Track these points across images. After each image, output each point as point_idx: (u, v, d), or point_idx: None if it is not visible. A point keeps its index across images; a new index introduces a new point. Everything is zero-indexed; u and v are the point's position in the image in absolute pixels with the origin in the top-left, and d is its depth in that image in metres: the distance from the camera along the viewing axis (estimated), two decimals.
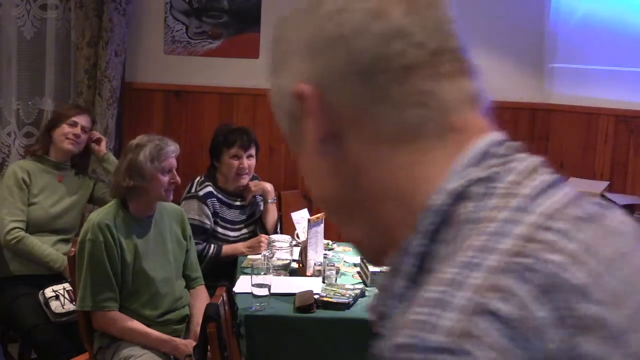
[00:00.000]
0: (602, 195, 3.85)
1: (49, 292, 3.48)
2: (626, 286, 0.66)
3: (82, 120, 3.78)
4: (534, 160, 0.77)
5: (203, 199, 3.79)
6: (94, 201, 3.91)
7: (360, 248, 0.84)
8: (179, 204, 3.57)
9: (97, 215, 3.05)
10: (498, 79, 4.60)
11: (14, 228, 3.58)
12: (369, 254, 0.83)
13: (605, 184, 4.02)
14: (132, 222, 3.08)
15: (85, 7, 4.27)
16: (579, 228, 0.68)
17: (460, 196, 0.71)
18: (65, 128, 3.74)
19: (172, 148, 3.11)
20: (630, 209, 3.97)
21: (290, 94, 0.78)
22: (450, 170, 0.73)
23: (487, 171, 0.73)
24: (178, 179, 3.11)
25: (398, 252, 0.72)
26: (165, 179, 3.06)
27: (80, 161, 3.88)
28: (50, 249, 3.64)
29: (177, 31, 4.52)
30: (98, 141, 3.92)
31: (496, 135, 0.78)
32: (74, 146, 3.77)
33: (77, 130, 3.75)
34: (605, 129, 4.34)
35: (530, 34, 4.60)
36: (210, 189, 3.84)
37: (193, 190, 3.83)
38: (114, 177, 3.16)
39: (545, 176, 0.74)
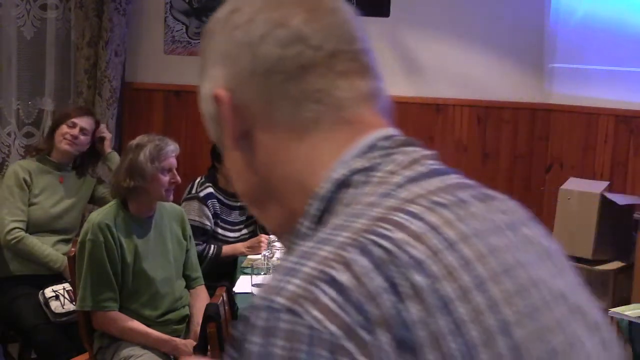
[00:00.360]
0: (602, 195, 3.85)
1: (49, 292, 3.48)
2: (464, 263, 0.73)
3: (83, 122, 3.77)
4: (419, 152, 0.85)
5: (204, 200, 3.79)
6: (95, 201, 3.91)
7: (277, 235, 0.92)
8: (179, 204, 3.57)
9: (98, 215, 3.05)
10: (498, 79, 4.60)
11: (14, 228, 3.58)
12: (284, 240, 0.90)
13: (605, 184, 4.02)
14: (133, 222, 3.08)
15: (85, 7, 4.27)
16: (433, 212, 0.76)
17: (344, 184, 0.80)
18: (64, 129, 3.74)
19: (172, 147, 3.12)
20: (630, 209, 3.97)
21: (210, 99, 0.88)
22: (338, 160, 0.82)
23: (370, 162, 0.81)
24: (178, 178, 3.11)
25: (293, 235, 0.82)
26: (166, 178, 3.06)
27: (82, 163, 3.87)
28: (50, 249, 3.64)
29: (177, 31, 4.52)
30: (101, 139, 3.91)
31: (387, 131, 0.85)
32: (71, 147, 3.75)
33: (75, 131, 3.74)
34: (605, 129, 4.34)
35: (530, 34, 4.60)
36: (210, 190, 3.84)
37: (194, 191, 3.83)
38: (114, 177, 3.16)
39: (425, 167, 0.83)
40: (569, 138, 4.51)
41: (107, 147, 3.94)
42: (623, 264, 3.88)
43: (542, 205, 4.61)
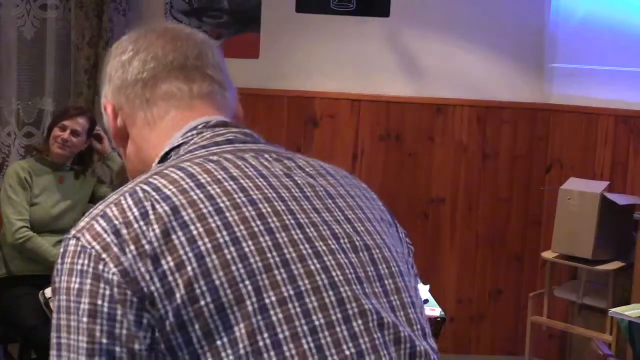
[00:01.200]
0: (602, 195, 3.85)
1: (49, 292, 3.48)
2: (208, 197, 0.99)
3: (75, 123, 3.72)
4: (228, 130, 1.13)
5: None
6: (95, 201, 3.90)
7: None
8: None
9: None
10: (498, 79, 4.60)
11: (22, 227, 3.58)
12: None
13: (605, 184, 4.02)
14: None
15: (85, 7, 4.27)
16: (199, 165, 1.03)
17: (164, 158, 1.12)
18: (56, 131, 3.72)
19: None
20: (630, 208, 3.97)
21: (103, 111, 1.23)
22: (169, 142, 1.13)
23: (185, 139, 1.12)
24: None
25: None
26: None
27: (81, 163, 3.86)
28: (56, 249, 3.64)
29: None
30: (99, 139, 3.89)
31: (209, 117, 1.15)
32: (63, 150, 3.71)
33: (65, 134, 3.69)
34: (605, 129, 4.34)
35: (530, 34, 4.60)
36: None
37: None
38: (118, 179, 3.16)
39: (223, 138, 1.11)
40: (569, 138, 4.51)
41: (107, 147, 3.92)
42: (623, 264, 3.88)
43: (542, 205, 4.62)
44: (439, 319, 2.87)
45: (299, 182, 1.08)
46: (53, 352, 1.02)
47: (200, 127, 1.12)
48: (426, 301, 3.01)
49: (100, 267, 0.95)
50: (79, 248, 0.98)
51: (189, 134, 1.12)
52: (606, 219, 3.87)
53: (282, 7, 4.51)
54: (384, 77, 4.57)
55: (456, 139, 4.60)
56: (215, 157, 1.06)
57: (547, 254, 4.08)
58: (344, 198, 1.10)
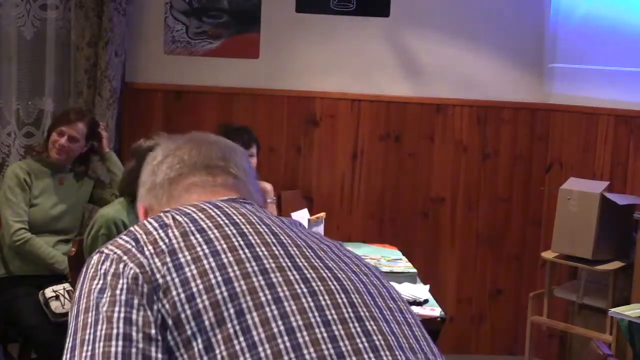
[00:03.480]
0: (602, 195, 3.85)
1: (49, 292, 3.48)
2: (205, 242, 1.12)
3: (73, 129, 3.71)
4: (229, 198, 1.27)
5: None
6: (94, 201, 3.91)
7: None
8: None
9: (110, 210, 3.04)
10: (498, 79, 4.60)
11: (20, 229, 3.58)
12: None
13: (605, 184, 4.02)
14: None
15: (85, 7, 4.27)
16: (199, 214, 1.18)
17: None
18: (54, 136, 3.71)
19: None
20: (630, 209, 3.97)
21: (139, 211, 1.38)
22: None
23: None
24: None
25: None
26: None
27: (79, 167, 3.85)
28: (54, 250, 3.64)
29: (177, 31, 4.52)
30: (99, 138, 3.89)
31: (225, 197, 1.28)
32: (60, 155, 3.71)
33: (63, 140, 3.68)
34: (605, 129, 4.34)
35: (530, 34, 4.60)
36: None
37: None
38: (128, 176, 3.16)
39: (224, 202, 1.24)
40: (569, 138, 4.52)
41: (105, 146, 3.92)
42: (623, 264, 3.88)
43: (542, 205, 4.62)
44: (438, 319, 2.87)
45: (291, 234, 1.21)
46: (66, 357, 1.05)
47: (211, 201, 1.24)
48: (426, 301, 3.01)
49: (121, 266, 1.10)
50: (102, 257, 1.13)
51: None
52: (606, 219, 3.87)
53: (282, 7, 4.51)
54: (384, 77, 4.57)
55: (456, 138, 4.60)
56: (206, 208, 1.21)
57: (547, 254, 4.08)
58: (340, 258, 1.23)
